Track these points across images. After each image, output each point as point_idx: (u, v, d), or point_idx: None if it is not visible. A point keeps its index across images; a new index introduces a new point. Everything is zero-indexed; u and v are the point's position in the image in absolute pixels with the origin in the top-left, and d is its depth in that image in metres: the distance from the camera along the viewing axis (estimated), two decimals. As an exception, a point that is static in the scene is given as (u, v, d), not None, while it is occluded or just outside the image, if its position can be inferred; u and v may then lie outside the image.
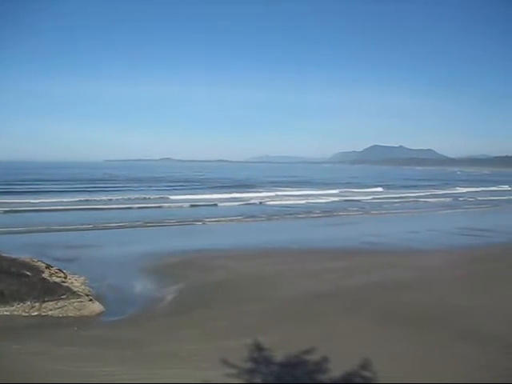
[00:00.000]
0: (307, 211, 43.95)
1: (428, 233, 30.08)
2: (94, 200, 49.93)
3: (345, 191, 72.27)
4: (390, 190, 77.02)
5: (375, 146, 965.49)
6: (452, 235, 28.98)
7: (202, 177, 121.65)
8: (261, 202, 52.77)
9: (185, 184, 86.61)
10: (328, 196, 61.49)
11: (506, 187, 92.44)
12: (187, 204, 48.18)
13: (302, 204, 51.42)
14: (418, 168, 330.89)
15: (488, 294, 15.62)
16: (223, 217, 37.89)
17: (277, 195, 62.59)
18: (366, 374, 9.48)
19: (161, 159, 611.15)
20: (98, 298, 14.66)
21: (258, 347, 10.63)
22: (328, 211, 44.21)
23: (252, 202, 52.97)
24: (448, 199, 61.41)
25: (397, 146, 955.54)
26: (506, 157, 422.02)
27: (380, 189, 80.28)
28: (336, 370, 9.50)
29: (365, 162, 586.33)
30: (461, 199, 61.83)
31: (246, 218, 38.03)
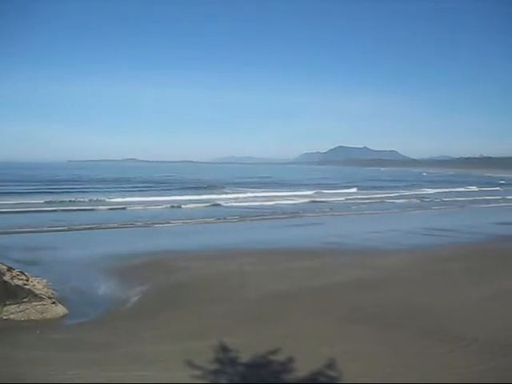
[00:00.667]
0: (274, 212, 44.07)
1: (391, 233, 30.51)
2: (56, 201, 48.78)
3: (318, 192, 72.32)
4: (364, 191, 77.83)
5: (340, 147, 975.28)
6: (415, 235, 29.45)
7: (167, 178, 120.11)
8: (226, 204, 52.35)
9: (149, 185, 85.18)
10: (298, 197, 61.62)
11: (474, 188, 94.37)
12: (151, 206, 47.78)
13: (270, 205, 51.44)
14: (383, 169, 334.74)
15: (450, 293, 15.91)
16: (188, 218, 37.66)
17: (243, 197, 62.31)
18: (331, 373, 9.56)
19: (125, 160, 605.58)
20: (61, 300, 14.41)
21: (224, 348, 10.62)
22: (295, 212, 44.43)
23: (218, 203, 52.47)
24: (416, 200, 62.34)
25: (361, 147, 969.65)
26: (469, 158, 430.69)
27: (354, 189, 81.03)
28: (301, 370, 9.56)
29: (330, 162, 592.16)
30: (428, 200, 62.87)
31: (211, 219, 37.93)
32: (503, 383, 9.54)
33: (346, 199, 61.14)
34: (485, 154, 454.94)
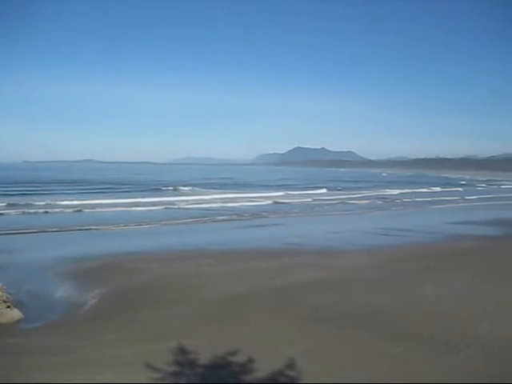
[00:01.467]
0: (235, 213, 44.01)
1: (350, 233, 30.87)
2: (11, 203, 47.56)
3: (286, 194, 72.09)
4: (332, 192, 78.73)
5: (298, 148, 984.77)
6: (373, 235, 29.87)
7: (125, 179, 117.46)
8: (186, 205, 51.71)
9: (106, 187, 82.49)
10: (262, 199, 61.70)
11: (437, 189, 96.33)
12: (108, 208, 46.92)
13: (232, 207, 51.31)
14: (342, 170, 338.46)
15: (407, 293, 16.18)
16: (146, 220, 37.15)
17: (205, 198, 61.39)
18: (290, 373, 9.60)
19: (83, 160, 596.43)
20: (17, 304, 14.02)
21: (183, 350, 10.55)
22: (257, 213, 44.44)
23: (176, 204, 51.75)
24: (378, 201, 63.41)
25: (319, 147, 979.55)
26: (425, 159, 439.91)
27: (324, 190, 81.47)
28: (261, 371, 9.57)
29: (288, 163, 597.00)
30: (390, 201, 64.08)
31: (169, 221, 37.50)
32: (460, 379, 9.73)
33: (313, 200, 61.77)
34: (440, 155, 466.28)
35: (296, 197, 67.00)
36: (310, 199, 62.68)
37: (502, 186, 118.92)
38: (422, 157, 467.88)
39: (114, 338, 11.93)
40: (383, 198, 69.11)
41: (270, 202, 58.31)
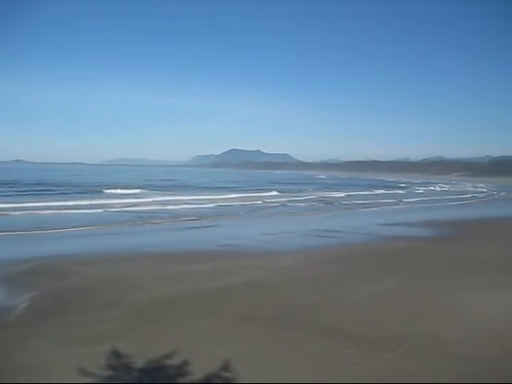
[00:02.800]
0: (172, 216, 43.67)
1: (286, 235, 31.26)
2: None
3: (226, 196, 71.61)
4: (274, 194, 79.48)
5: (233, 150, 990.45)
6: (308, 237, 30.39)
7: (56, 180, 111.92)
8: (121, 208, 50.57)
9: (35, 188, 78.49)
10: (202, 201, 61.09)
11: (380, 191, 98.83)
12: (38, 210, 45.00)
13: (169, 209, 50.72)
14: (278, 172, 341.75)
15: (341, 293, 16.49)
16: (78, 223, 36.00)
17: (142, 201, 60.08)
18: (226, 374, 9.59)
19: (12, 161, 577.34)
20: None
21: (117, 353, 10.35)
22: (193, 216, 44.12)
23: (114, 207, 50.71)
24: (321, 203, 64.61)
25: (254, 150, 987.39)
26: (358, 161, 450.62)
27: (275, 192, 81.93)
28: (197, 373, 9.52)
29: (224, 165, 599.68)
30: (332, 202, 65.45)
31: (105, 223, 36.71)
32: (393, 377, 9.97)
33: (254, 202, 62.23)
34: (372, 158, 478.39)
35: (237, 199, 66.90)
36: (250, 202, 62.89)
37: (438, 189, 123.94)
38: (355, 159, 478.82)
39: (46, 342, 11.60)
40: (326, 200, 70.24)
41: (210, 204, 57.82)
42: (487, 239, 30.65)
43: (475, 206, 65.30)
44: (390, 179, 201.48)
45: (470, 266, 21.30)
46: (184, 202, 60.28)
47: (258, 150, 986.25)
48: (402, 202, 69.79)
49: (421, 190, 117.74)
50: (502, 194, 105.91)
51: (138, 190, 79.50)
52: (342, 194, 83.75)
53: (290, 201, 66.35)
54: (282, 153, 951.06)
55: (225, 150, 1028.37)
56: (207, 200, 63.54)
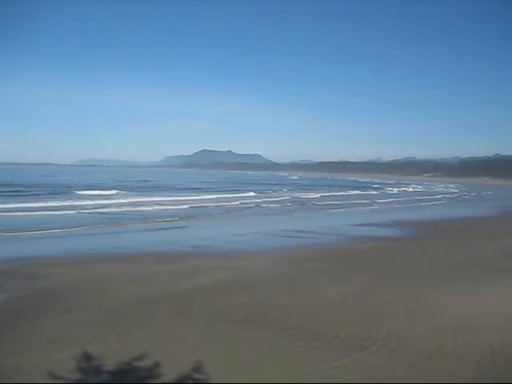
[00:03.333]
0: (144, 217, 43.46)
1: (255, 235, 31.37)
2: None
3: (198, 198, 71.21)
4: (262, 195, 79.82)
5: (204, 151, 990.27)
6: (277, 237, 30.57)
7: (24, 181, 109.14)
8: (92, 209, 50.00)
9: (6, 190, 76.57)
10: (175, 203, 60.49)
11: (355, 192, 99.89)
12: (7, 212, 44.37)
13: (141, 210, 50.53)
14: (251, 172, 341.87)
15: (311, 293, 16.59)
16: (46, 225, 35.52)
17: (113, 203, 59.36)
18: (198, 376, 9.62)
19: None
20: None
21: (88, 356, 10.30)
22: (164, 217, 43.94)
23: (82, 208, 50.15)
24: (295, 204, 64.97)
25: (225, 150, 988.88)
26: (329, 162, 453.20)
27: (252, 193, 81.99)
28: (169, 375, 9.53)
29: (194, 165, 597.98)
30: (305, 203, 65.84)
31: (77, 225, 36.23)
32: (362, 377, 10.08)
33: (227, 203, 62.00)
34: (343, 159, 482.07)
35: (211, 200, 66.82)
36: (226, 203, 62.74)
37: (410, 189, 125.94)
38: (326, 160, 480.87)
39: (15, 346, 11.43)
40: (300, 201, 70.52)
41: (184, 205, 57.46)
42: (459, 238, 31.15)
43: (447, 207, 66.53)
44: (362, 180, 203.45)
45: (441, 265, 21.71)
46: (157, 203, 59.95)
47: (230, 151, 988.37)
48: (375, 202, 70.58)
49: (394, 190, 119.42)
50: (473, 194, 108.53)
51: (110, 191, 78.88)
52: (317, 195, 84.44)
53: (264, 202, 66.47)
54: (253, 153, 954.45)
55: (196, 151, 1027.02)
56: (182, 201, 63.31)
